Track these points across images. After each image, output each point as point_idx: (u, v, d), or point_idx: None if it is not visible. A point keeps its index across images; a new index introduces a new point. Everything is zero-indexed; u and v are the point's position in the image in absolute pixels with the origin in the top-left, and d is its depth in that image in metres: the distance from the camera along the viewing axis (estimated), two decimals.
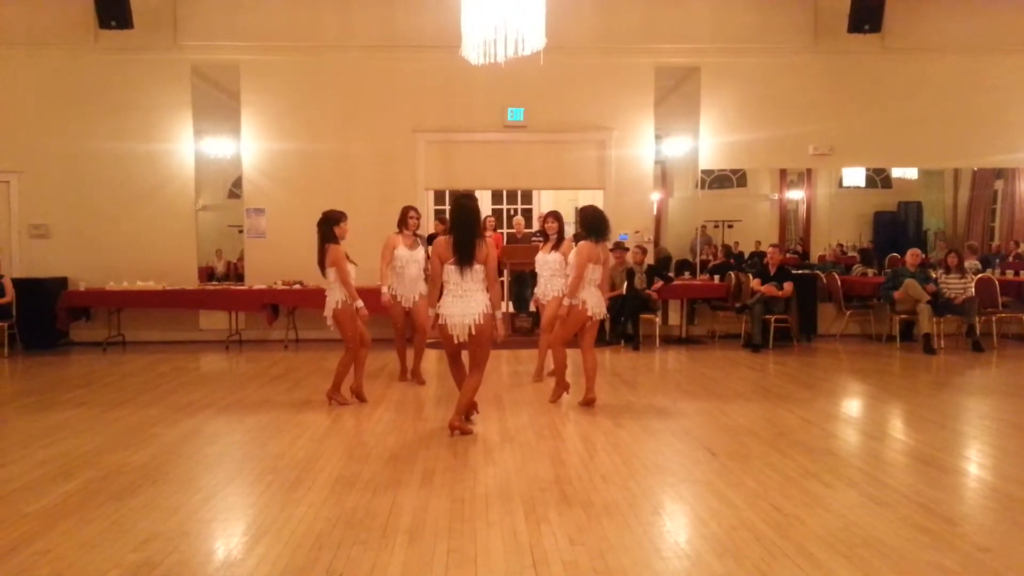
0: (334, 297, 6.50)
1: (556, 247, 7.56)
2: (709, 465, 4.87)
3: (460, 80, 10.35)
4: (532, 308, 8.19)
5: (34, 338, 10.22)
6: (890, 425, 6.35)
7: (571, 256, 6.67)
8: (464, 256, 5.45)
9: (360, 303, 6.51)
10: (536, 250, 8.01)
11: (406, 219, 7.60)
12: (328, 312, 6.55)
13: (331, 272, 6.47)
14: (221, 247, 12.10)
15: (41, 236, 10.80)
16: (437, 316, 5.56)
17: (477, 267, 5.47)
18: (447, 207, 11.99)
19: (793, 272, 10.51)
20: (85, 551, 3.52)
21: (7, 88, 10.76)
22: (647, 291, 10.24)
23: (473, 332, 5.45)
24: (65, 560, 3.43)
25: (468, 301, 5.46)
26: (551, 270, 7.52)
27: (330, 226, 6.51)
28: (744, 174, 12.77)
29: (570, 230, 7.76)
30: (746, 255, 12.73)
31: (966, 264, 10.82)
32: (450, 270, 5.49)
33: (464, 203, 5.58)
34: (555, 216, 7.79)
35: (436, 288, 5.63)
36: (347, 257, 6.53)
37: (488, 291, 5.52)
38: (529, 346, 9.41)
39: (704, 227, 12.84)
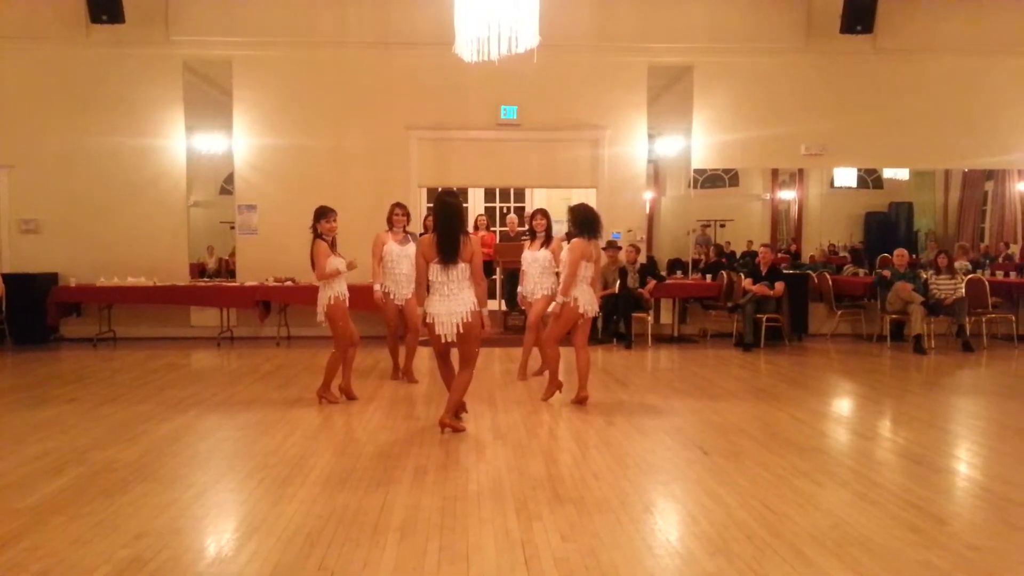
0: (326, 294, 6.49)
1: (545, 244, 7.58)
2: (701, 463, 4.88)
3: (453, 77, 10.32)
4: (521, 306, 8.17)
5: (24, 334, 10.18)
6: (881, 424, 6.37)
7: (564, 254, 6.68)
8: (448, 254, 5.42)
9: (333, 293, 6.47)
10: None
11: (391, 217, 7.58)
12: (319, 308, 6.54)
13: None
14: (212, 243, 12.07)
15: (31, 231, 10.74)
16: (425, 315, 5.56)
17: (462, 265, 5.45)
18: None
19: (784, 272, 10.55)
20: (76, 547, 3.51)
21: None
22: (640, 290, 10.26)
23: (460, 330, 5.44)
24: (56, 556, 3.41)
25: (454, 300, 5.44)
26: (540, 267, 7.53)
27: (315, 221, 6.50)
28: (736, 174, 12.81)
29: (563, 228, 7.75)
30: (738, 255, 12.77)
31: (956, 265, 10.88)
32: (435, 269, 5.47)
33: (446, 200, 5.54)
34: (543, 213, 7.81)
35: (422, 287, 5.62)
36: (333, 251, 6.50)
37: (474, 288, 5.52)
38: (522, 344, 9.39)
39: (704, 227, 12.88)
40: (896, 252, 10.49)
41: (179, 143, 10.89)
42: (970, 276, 10.61)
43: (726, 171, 12.54)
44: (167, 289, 10.25)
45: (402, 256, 7.42)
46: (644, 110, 11.18)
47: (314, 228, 6.48)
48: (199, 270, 11.60)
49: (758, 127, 11.25)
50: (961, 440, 5.74)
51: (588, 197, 10.43)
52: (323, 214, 6.52)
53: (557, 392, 6.81)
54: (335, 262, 6.47)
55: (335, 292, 6.48)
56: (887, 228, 13.01)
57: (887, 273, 10.22)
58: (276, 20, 10.79)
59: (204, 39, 10.77)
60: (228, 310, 10.78)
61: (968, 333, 9.99)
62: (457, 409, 5.78)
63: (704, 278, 11.54)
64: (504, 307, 11.32)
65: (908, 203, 13.19)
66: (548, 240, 7.62)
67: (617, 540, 3.62)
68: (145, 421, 5.95)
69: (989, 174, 12.67)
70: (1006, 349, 10.27)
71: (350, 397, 6.74)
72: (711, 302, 11.10)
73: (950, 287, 10.17)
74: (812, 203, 13.09)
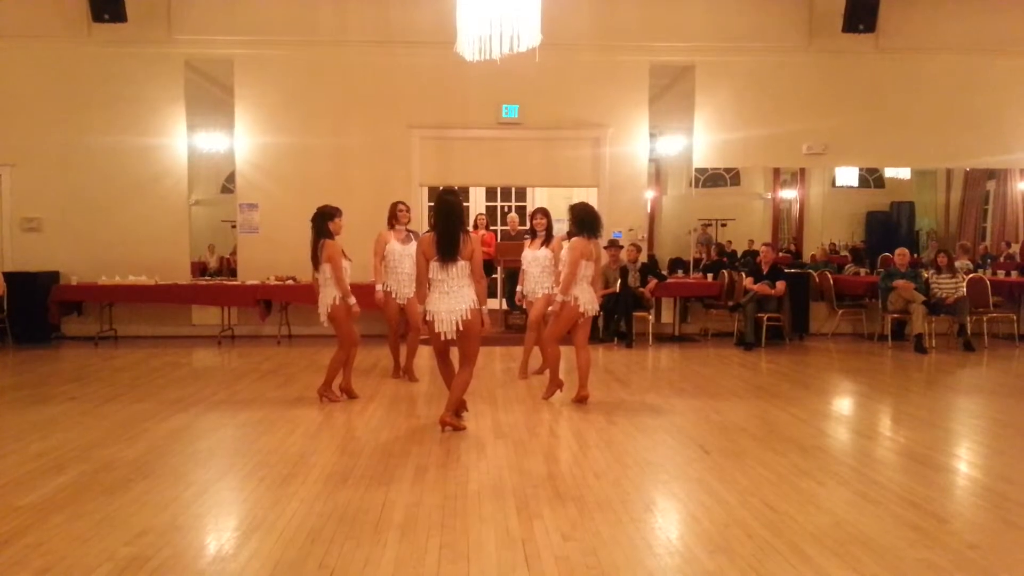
0: (329, 294, 6.47)
1: (545, 243, 7.58)
2: (701, 462, 4.88)
3: (455, 76, 10.32)
4: (520, 305, 8.15)
5: (25, 332, 10.18)
6: (881, 423, 6.38)
7: (563, 253, 6.68)
8: (447, 252, 5.44)
9: (353, 299, 6.48)
10: None
11: (395, 214, 7.57)
12: (323, 309, 6.52)
13: (326, 268, 6.45)
14: (214, 242, 12.08)
15: (33, 230, 10.75)
16: (425, 313, 5.57)
17: (462, 263, 5.47)
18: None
19: (786, 271, 10.54)
20: (77, 545, 3.51)
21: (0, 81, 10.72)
22: (641, 289, 10.26)
23: (460, 328, 5.46)
24: (57, 553, 3.42)
25: (454, 297, 5.46)
26: (540, 266, 7.54)
27: (325, 221, 6.48)
28: (738, 173, 12.80)
29: (563, 227, 7.76)
30: (739, 254, 12.76)
31: (957, 264, 10.87)
32: (435, 267, 5.49)
33: (446, 198, 5.56)
34: (543, 212, 7.81)
35: (423, 286, 5.63)
36: (343, 253, 6.51)
37: (474, 286, 5.53)
38: (523, 343, 9.39)
39: (705, 226, 12.87)
40: (897, 251, 10.49)
41: (181, 142, 10.89)
42: (971, 275, 10.60)
43: (727, 170, 12.53)
44: (168, 288, 10.25)
45: (404, 255, 7.42)
46: (645, 109, 11.17)
47: (325, 228, 6.46)
48: (200, 269, 11.61)
49: (760, 126, 11.24)
50: (962, 439, 5.74)
51: (589, 196, 10.45)
52: (335, 214, 6.52)
53: (558, 391, 6.81)
54: (344, 265, 6.48)
55: (338, 293, 6.46)
56: (888, 227, 13.00)
57: (898, 284, 10.11)
58: (278, 19, 10.79)
59: (206, 38, 10.77)
60: (229, 309, 10.77)
61: (969, 332, 9.99)
62: (458, 407, 5.79)
63: (705, 277, 11.54)
64: (505, 306, 11.32)
65: (910, 202, 13.18)
66: (548, 239, 7.62)
67: (618, 539, 3.62)
68: (146, 419, 5.95)
69: (991, 173, 12.66)
70: (1007, 348, 10.26)
71: (351, 396, 6.74)
72: (712, 301, 11.09)
73: (951, 286, 10.17)
74: (813, 202, 13.08)
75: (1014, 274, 11.55)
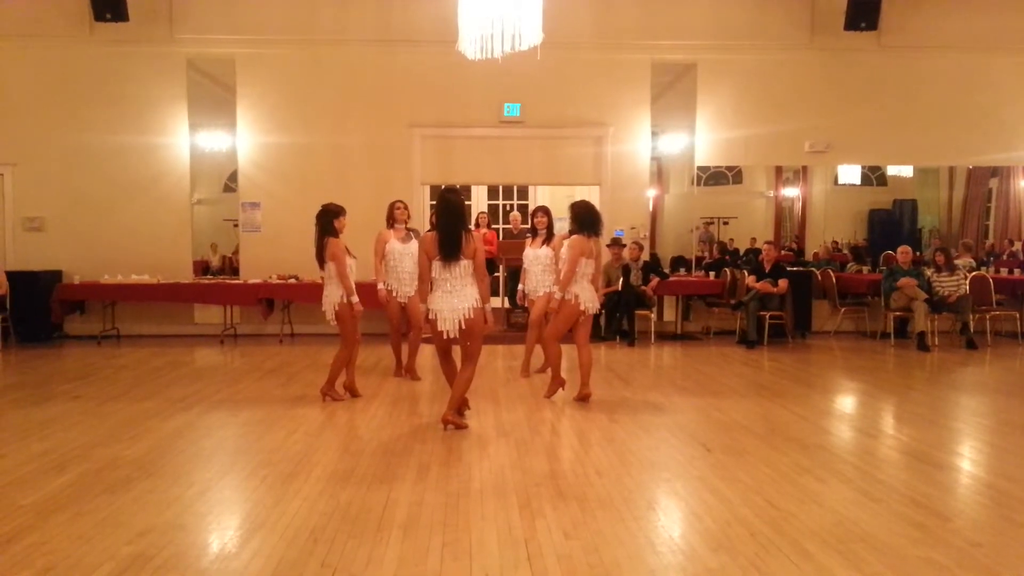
0: (335, 292, 6.45)
1: (546, 242, 7.57)
2: (703, 460, 4.88)
3: (456, 75, 10.33)
4: (522, 304, 8.14)
5: (28, 331, 10.19)
6: (884, 421, 6.37)
7: (563, 251, 6.67)
8: (450, 251, 5.44)
9: (356, 298, 6.48)
10: None
11: (393, 213, 7.56)
12: (328, 307, 6.51)
13: (330, 266, 6.45)
14: (216, 241, 12.09)
15: (35, 229, 10.76)
16: (428, 312, 5.57)
17: (464, 261, 5.48)
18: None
19: (788, 269, 10.53)
20: (80, 544, 3.52)
21: (1, 80, 10.73)
22: (643, 287, 10.25)
23: (463, 327, 5.46)
24: (60, 552, 3.42)
25: (457, 296, 5.47)
26: (542, 265, 7.53)
27: (329, 219, 6.48)
28: (740, 171, 12.78)
29: (565, 226, 7.75)
30: (741, 252, 12.75)
31: (960, 262, 10.85)
32: (437, 265, 5.50)
33: (448, 197, 5.56)
34: (544, 211, 7.80)
35: (425, 284, 5.63)
36: (348, 251, 6.51)
37: (477, 285, 5.53)
38: (524, 342, 9.38)
39: (708, 224, 12.86)
40: (900, 249, 10.48)
41: (183, 141, 10.90)
42: (974, 273, 10.59)
43: (730, 168, 12.52)
44: (171, 287, 10.26)
45: (404, 253, 7.43)
46: (647, 107, 11.16)
47: (330, 226, 6.46)
48: (203, 268, 11.61)
49: (762, 124, 11.23)
50: (964, 437, 5.73)
51: (591, 194, 10.45)
52: (339, 212, 6.52)
53: (560, 389, 6.80)
54: (348, 262, 6.48)
55: (343, 291, 6.46)
56: (891, 225, 12.98)
57: (903, 282, 10.10)
58: (279, 18, 10.79)
59: (208, 37, 10.78)
60: (231, 308, 10.79)
61: (972, 330, 9.98)
62: (460, 406, 5.79)
63: (707, 275, 11.54)
64: (507, 304, 11.32)
65: (912, 200, 13.16)
66: (550, 237, 7.62)
67: (620, 537, 3.62)
68: (149, 418, 5.96)
69: (994, 171, 12.64)
70: (1010, 347, 10.25)
71: (353, 394, 6.74)
72: (714, 299, 11.08)
73: (952, 284, 10.16)
74: (816, 200, 13.05)
75: (1017, 272, 11.54)
